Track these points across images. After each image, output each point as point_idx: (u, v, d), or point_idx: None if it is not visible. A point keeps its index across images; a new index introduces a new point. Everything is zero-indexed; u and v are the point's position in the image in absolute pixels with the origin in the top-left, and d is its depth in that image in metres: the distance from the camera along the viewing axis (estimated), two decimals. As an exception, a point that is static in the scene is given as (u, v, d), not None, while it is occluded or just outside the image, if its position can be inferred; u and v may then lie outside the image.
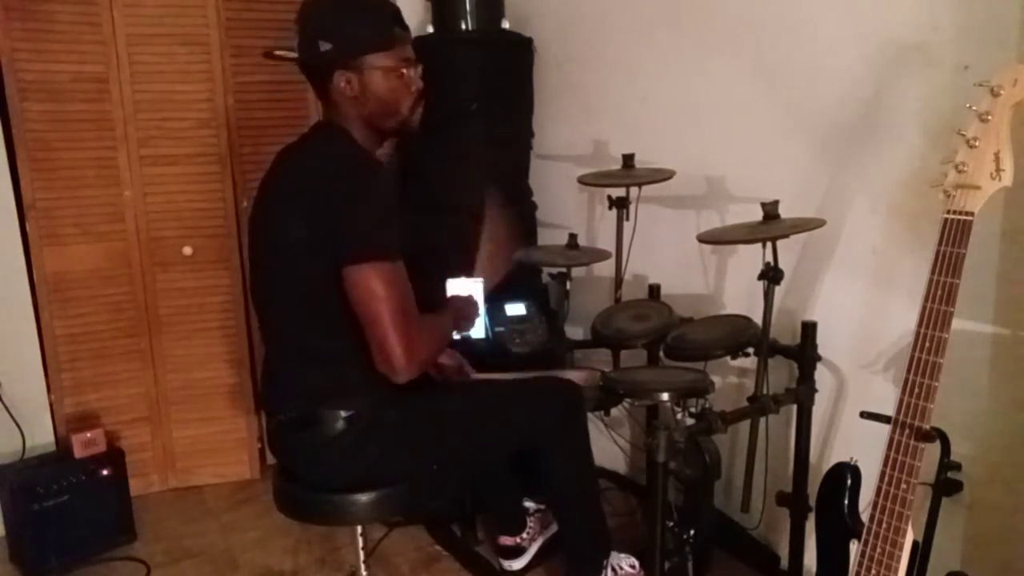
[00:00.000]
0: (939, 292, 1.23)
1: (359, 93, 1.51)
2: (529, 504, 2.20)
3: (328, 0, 1.55)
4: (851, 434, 1.84)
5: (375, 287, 1.38)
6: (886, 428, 1.29)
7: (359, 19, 1.51)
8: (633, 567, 1.90)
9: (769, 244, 1.69)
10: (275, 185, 1.55)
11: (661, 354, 1.99)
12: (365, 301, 1.39)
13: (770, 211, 1.69)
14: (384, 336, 1.40)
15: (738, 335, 1.82)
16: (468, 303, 1.82)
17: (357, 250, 1.39)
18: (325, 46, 1.48)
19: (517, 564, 2.12)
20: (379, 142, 1.62)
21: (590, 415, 1.92)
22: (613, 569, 1.88)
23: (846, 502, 1.40)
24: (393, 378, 1.43)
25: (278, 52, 2.55)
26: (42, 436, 2.45)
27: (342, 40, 1.48)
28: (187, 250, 2.61)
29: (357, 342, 1.45)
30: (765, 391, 1.77)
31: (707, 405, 1.73)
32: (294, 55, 1.56)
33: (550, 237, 2.72)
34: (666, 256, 2.34)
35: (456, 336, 1.77)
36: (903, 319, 1.60)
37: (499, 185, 2.59)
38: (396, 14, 1.54)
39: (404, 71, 1.54)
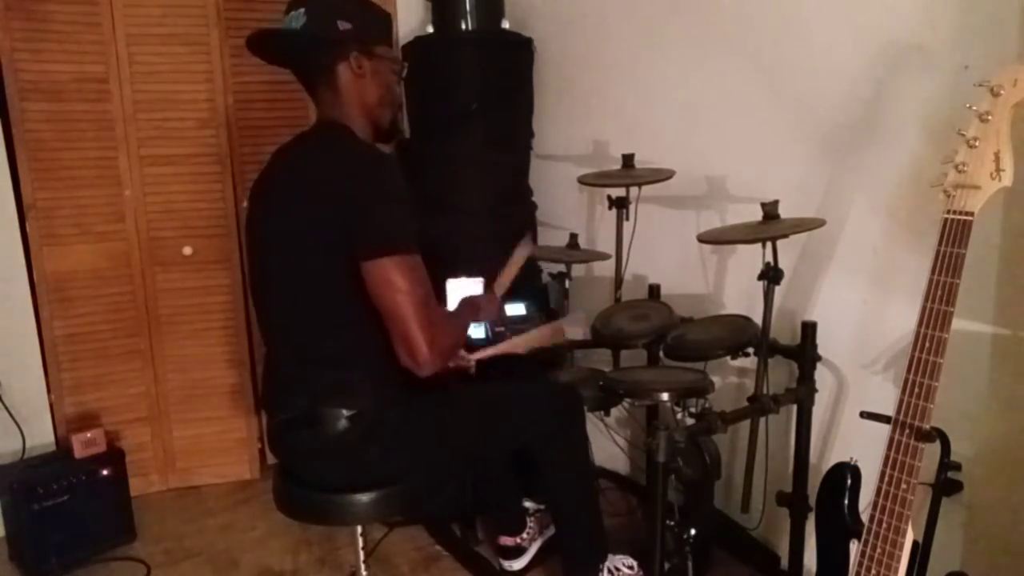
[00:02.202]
0: (939, 292, 1.23)
1: (368, 76, 1.55)
2: (529, 504, 2.20)
3: None
4: (851, 434, 1.84)
5: (397, 280, 1.39)
6: (886, 428, 1.29)
7: (372, 10, 1.60)
8: (631, 568, 1.90)
9: (769, 244, 1.69)
10: (277, 184, 1.55)
11: (661, 354, 1.99)
12: (387, 295, 1.39)
13: (770, 211, 1.69)
14: (408, 330, 1.40)
15: (738, 335, 1.82)
16: (490, 300, 1.83)
17: (377, 244, 1.39)
18: (345, 25, 1.50)
19: (517, 564, 2.12)
20: (374, 142, 1.63)
21: (590, 415, 1.92)
22: (610, 572, 1.88)
23: (846, 502, 1.40)
24: (417, 372, 1.43)
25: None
26: (42, 436, 2.46)
27: (362, 24, 1.54)
28: (187, 250, 2.61)
29: (361, 341, 1.45)
30: (765, 391, 1.77)
31: (707, 405, 1.74)
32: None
33: (550, 237, 2.73)
34: (666, 256, 2.34)
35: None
36: (903, 319, 1.60)
37: (499, 185, 2.59)
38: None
39: (399, 69, 1.64)
